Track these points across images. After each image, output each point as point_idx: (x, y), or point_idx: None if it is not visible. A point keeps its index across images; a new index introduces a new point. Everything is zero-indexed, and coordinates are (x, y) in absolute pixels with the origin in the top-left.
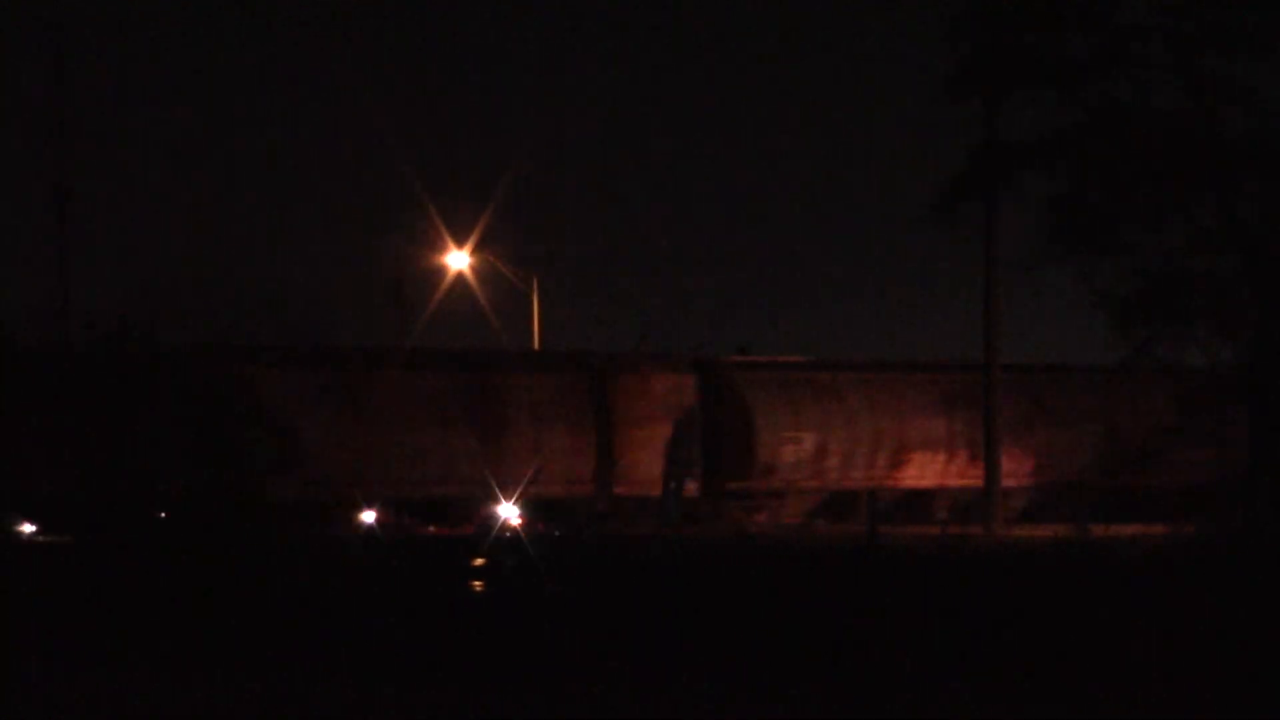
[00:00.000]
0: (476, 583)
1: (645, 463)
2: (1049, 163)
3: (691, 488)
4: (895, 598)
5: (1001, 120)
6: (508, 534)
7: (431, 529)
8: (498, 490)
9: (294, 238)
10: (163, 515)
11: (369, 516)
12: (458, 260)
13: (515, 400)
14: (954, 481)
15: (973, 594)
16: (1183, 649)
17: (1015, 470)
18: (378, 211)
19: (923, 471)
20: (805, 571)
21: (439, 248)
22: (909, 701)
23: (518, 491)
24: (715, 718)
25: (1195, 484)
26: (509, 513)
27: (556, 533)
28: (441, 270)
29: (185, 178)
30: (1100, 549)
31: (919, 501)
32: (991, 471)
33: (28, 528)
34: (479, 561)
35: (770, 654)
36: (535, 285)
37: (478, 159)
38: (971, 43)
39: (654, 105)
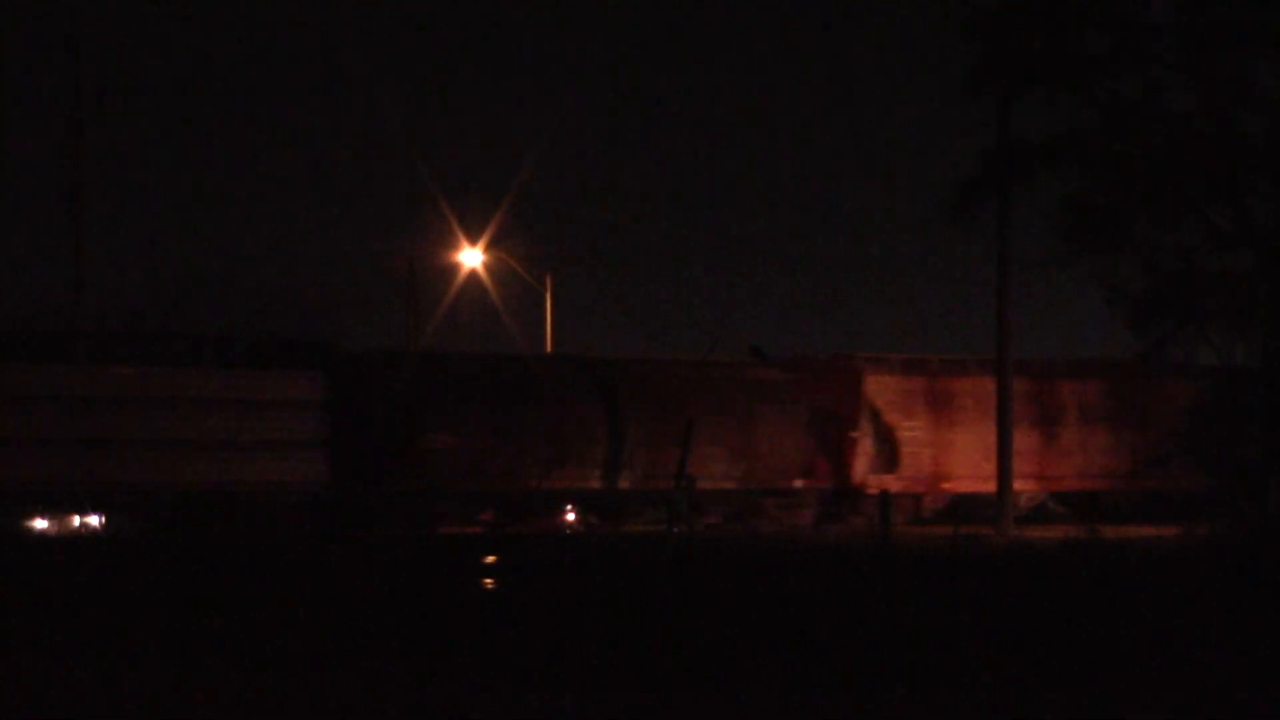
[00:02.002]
0: None
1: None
2: (1062, 162)
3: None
4: (902, 596)
5: (1015, 120)
6: None
7: None
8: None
9: (306, 234)
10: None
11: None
12: (471, 258)
13: (1068, 402)
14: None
15: (982, 593)
16: (1194, 649)
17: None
18: (391, 209)
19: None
20: (823, 568)
21: (452, 245)
22: (917, 698)
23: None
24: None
25: (1208, 485)
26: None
27: None
28: (455, 268)
29: (198, 174)
30: (1112, 550)
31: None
32: (1003, 473)
33: None
34: None
35: (780, 650)
36: (549, 284)
37: (492, 157)
38: (985, 43)
39: (668, 105)
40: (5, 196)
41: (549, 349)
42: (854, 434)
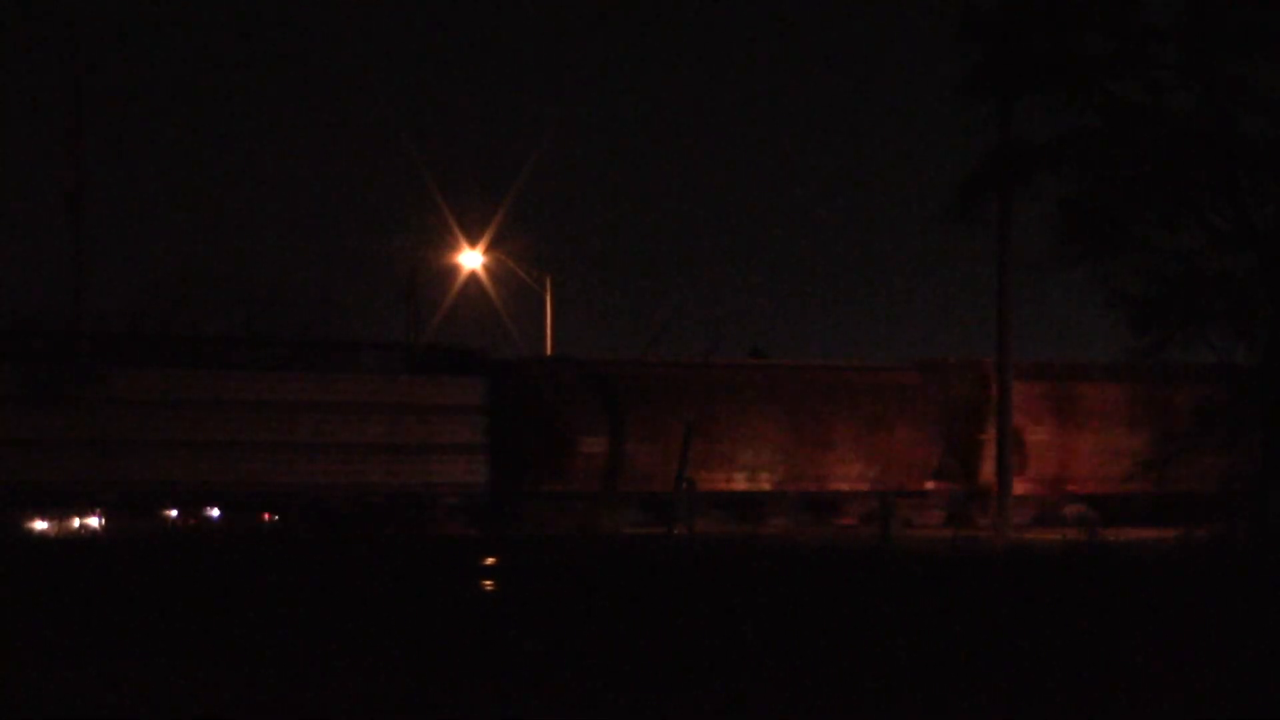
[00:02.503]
0: None
1: None
2: (1063, 164)
3: None
4: (902, 598)
5: (1015, 121)
6: None
7: None
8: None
9: (306, 235)
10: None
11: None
12: (471, 259)
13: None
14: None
15: (980, 596)
16: (1192, 653)
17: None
18: (390, 211)
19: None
20: (818, 570)
21: (452, 247)
22: (919, 701)
23: None
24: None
25: (1209, 488)
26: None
27: None
28: (454, 269)
29: (197, 176)
30: (1111, 553)
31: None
32: (1003, 475)
33: None
34: None
35: (775, 653)
36: (549, 285)
37: (492, 159)
38: (985, 44)
39: (668, 106)
40: (4, 198)
41: (549, 351)
42: (983, 436)
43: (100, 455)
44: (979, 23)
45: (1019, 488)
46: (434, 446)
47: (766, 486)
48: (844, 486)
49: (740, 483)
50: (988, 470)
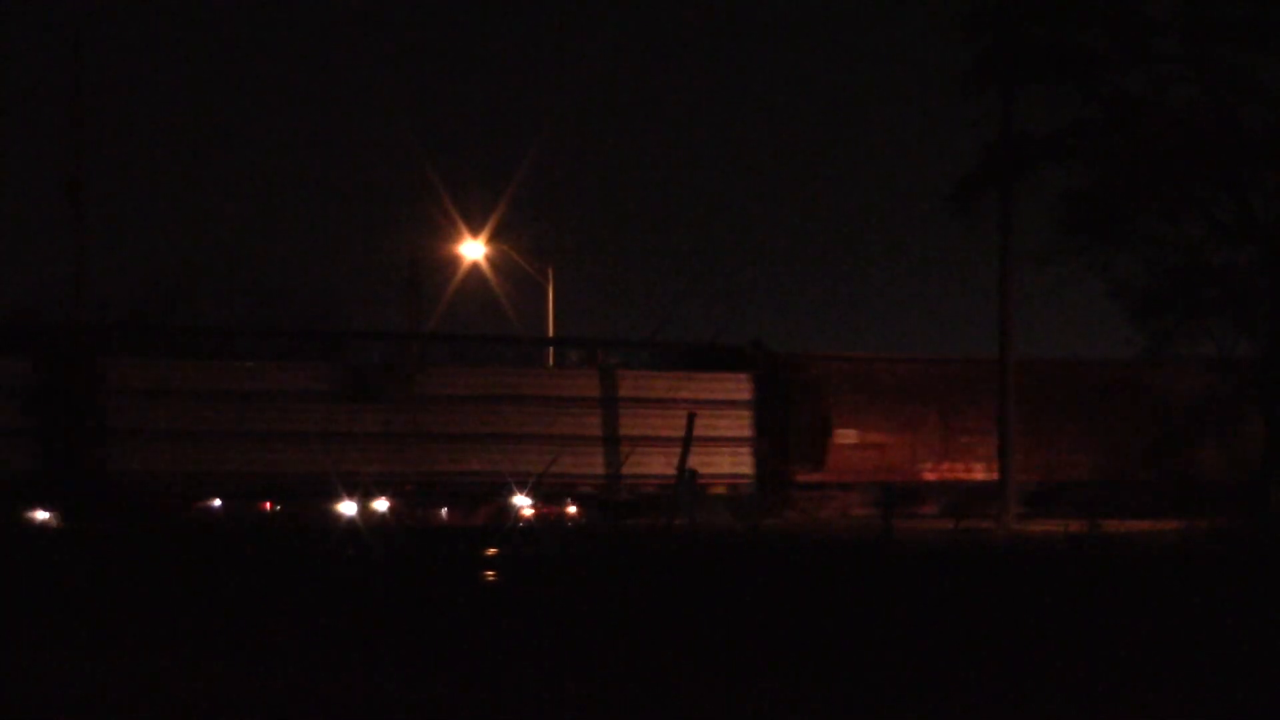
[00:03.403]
0: None
1: None
2: (1065, 156)
3: None
4: (905, 590)
5: (1017, 114)
6: None
7: None
8: None
9: (307, 227)
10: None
11: None
12: (473, 250)
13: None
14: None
15: (983, 587)
16: (1193, 645)
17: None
18: (392, 201)
19: None
20: (825, 561)
21: (454, 237)
22: (917, 697)
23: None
24: (725, 715)
25: (1210, 479)
26: None
27: None
28: (456, 260)
29: (198, 167)
30: (1113, 544)
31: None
32: (1004, 465)
33: None
34: None
35: (776, 645)
36: (551, 276)
37: (494, 149)
38: (988, 37)
39: (669, 96)
40: (5, 190)
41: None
42: (1189, 427)
43: (410, 447)
44: (981, 16)
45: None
46: (708, 440)
47: (980, 477)
48: (1066, 477)
49: (979, 473)
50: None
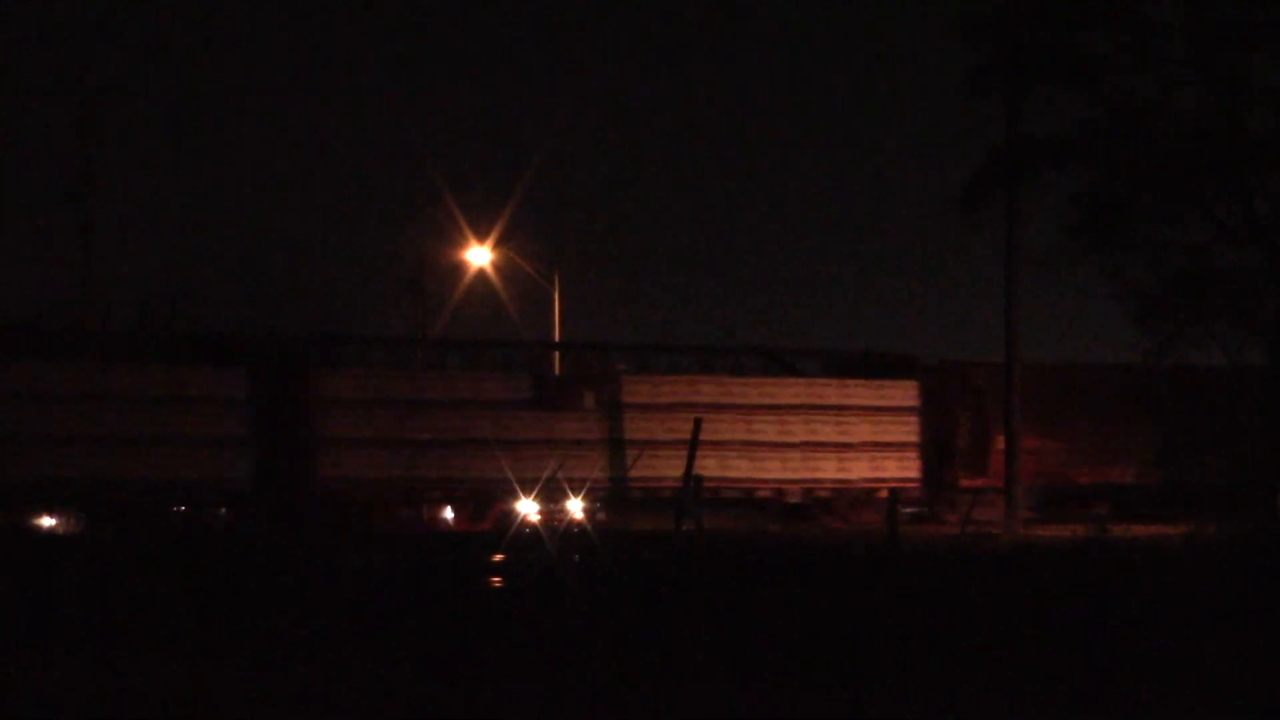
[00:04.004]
0: None
1: None
2: (1071, 159)
3: None
4: (912, 596)
5: (1023, 117)
6: None
7: None
8: None
9: (315, 231)
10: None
11: None
12: (479, 255)
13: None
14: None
15: (990, 593)
16: (1201, 650)
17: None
18: (399, 206)
19: None
20: (830, 566)
21: (460, 243)
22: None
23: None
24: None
25: (1216, 483)
26: None
27: None
28: (462, 265)
29: (207, 170)
30: (1121, 549)
31: None
32: (1010, 471)
33: None
34: None
35: (786, 650)
36: (557, 282)
37: (500, 155)
38: (994, 40)
39: (675, 101)
40: (10, 194)
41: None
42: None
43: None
44: (986, 19)
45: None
46: (879, 445)
47: (1129, 480)
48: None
49: (1129, 477)
50: None
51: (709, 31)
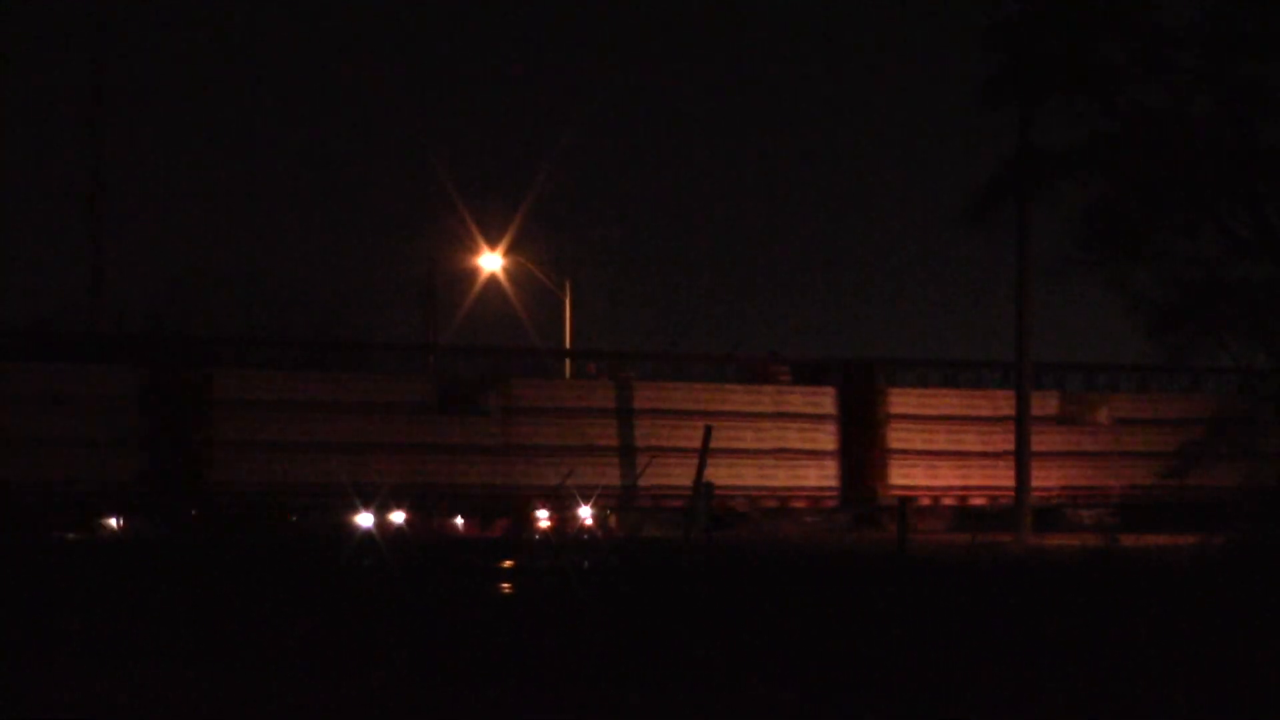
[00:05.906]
0: None
1: None
2: (1083, 170)
3: None
4: (922, 603)
5: (1035, 127)
6: None
7: None
8: None
9: (325, 237)
10: None
11: None
12: (491, 262)
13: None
14: None
15: (1001, 601)
16: (1209, 658)
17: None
18: (411, 212)
19: None
20: (839, 575)
21: (472, 249)
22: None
23: None
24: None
25: (1226, 494)
26: None
27: None
28: (474, 272)
29: (216, 176)
30: (1131, 558)
31: None
32: (1021, 482)
33: None
34: None
35: (796, 657)
36: (569, 288)
37: (512, 161)
38: (1006, 50)
39: (686, 109)
40: (21, 198)
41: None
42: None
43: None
44: (1000, 30)
45: None
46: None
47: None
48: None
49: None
50: None
51: (724, 41)
